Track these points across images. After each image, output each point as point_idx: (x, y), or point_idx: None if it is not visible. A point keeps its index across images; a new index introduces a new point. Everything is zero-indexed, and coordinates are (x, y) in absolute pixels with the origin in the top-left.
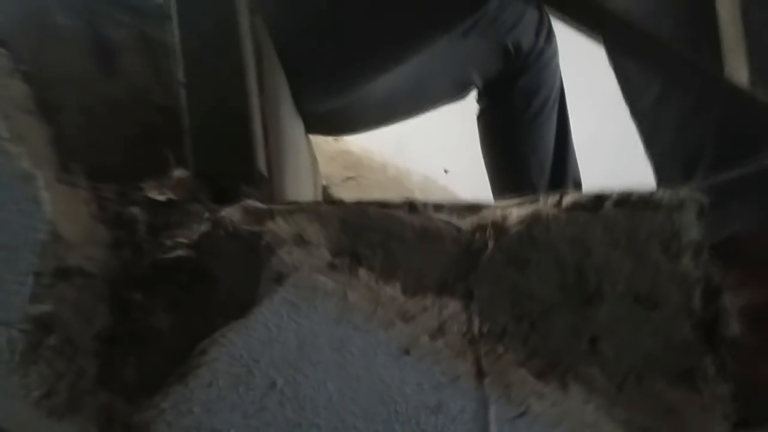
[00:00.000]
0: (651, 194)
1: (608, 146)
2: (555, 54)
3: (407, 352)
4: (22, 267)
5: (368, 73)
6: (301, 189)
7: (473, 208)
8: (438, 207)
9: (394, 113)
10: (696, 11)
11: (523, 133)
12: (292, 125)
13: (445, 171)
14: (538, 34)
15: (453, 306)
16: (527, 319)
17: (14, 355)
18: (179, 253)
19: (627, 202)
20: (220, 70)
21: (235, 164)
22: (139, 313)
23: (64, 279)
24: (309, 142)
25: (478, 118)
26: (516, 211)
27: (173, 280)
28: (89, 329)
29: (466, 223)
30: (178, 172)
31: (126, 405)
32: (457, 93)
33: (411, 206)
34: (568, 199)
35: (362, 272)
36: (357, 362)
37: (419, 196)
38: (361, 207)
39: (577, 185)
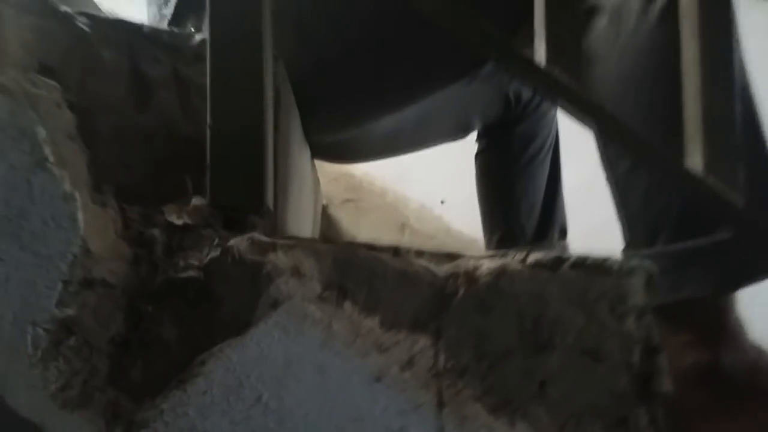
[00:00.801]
0: (604, 260)
1: (603, 192)
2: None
3: (379, 379)
4: (53, 275)
5: (374, 113)
6: (301, 214)
7: (450, 257)
8: (419, 253)
9: (396, 148)
10: (666, 102)
11: (517, 177)
12: (300, 153)
13: (442, 202)
14: None
15: (423, 342)
16: (487, 359)
17: (37, 351)
18: (190, 273)
19: (582, 265)
20: (243, 112)
21: (246, 197)
22: (149, 323)
23: (88, 288)
24: (314, 165)
25: (476, 157)
26: (487, 263)
27: (182, 297)
28: (105, 333)
29: (442, 269)
30: (196, 200)
31: (130, 403)
32: (458, 134)
33: (395, 251)
34: (533, 257)
35: (347, 305)
36: (335, 384)
37: (415, 223)
38: (352, 247)
39: (563, 231)
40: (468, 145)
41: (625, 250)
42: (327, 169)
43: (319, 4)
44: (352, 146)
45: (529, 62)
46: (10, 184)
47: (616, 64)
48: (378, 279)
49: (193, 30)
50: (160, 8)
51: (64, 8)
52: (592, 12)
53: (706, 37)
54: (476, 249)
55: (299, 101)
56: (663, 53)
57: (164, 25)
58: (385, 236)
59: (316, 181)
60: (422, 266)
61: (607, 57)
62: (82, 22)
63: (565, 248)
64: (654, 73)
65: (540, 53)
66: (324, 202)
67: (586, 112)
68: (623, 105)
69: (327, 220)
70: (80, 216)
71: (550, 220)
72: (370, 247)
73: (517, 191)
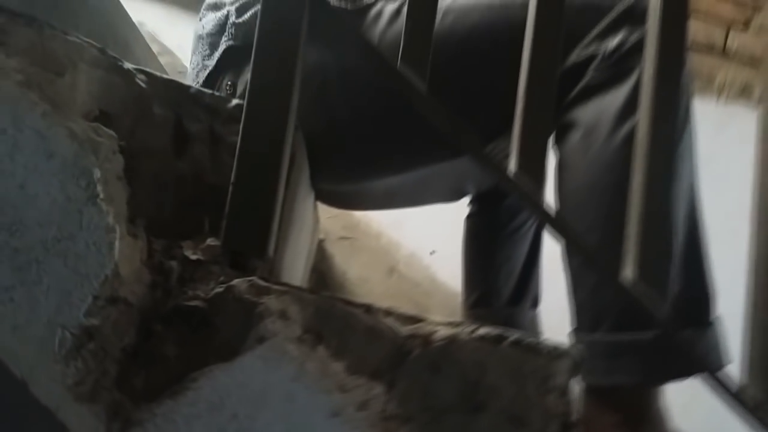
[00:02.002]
0: (538, 343)
1: None
2: None
3: (337, 414)
4: (87, 290)
5: (376, 174)
6: (297, 252)
7: (413, 319)
8: (387, 312)
9: (393, 203)
10: (621, 213)
11: (500, 245)
12: (305, 199)
13: (431, 252)
14: None
15: (378, 389)
16: (430, 412)
17: (62, 350)
18: (196, 303)
19: (519, 344)
20: (261, 175)
21: (253, 245)
22: (156, 340)
23: (112, 304)
24: (316, 206)
25: (467, 218)
26: (442, 330)
27: (187, 322)
28: (119, 343)
29: (404, 329)
30: (211, 241)
31: (130, 404)
32: (453, 198)
33: (368, 308)
34: (481, 331)
35: (320, 348)
36: (300, 414)
37: (403, 269)
38: (332, 301)
39: (535, 301)
40: (463, 204)
41: (571, 333)
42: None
43: (342, 75)
44: (352, 197)
45: (498, 167)
46: (65, 212)
47: (584, 173)
48: (349, 330)
49: (229, 83)
50: (203, 59)
51: (128, 66)
52: (569, 126)
53: (651, 166)
54: (456, 302)
55: (310, 153)
56: (623, 171)
57: (204, 75)
58: (373, 277)
59: (316, 220)
60: (388, 324)
61: (577, 166)
62: (140, 79)
63: (534, 317)
64: (614, 187)
65: (513, 161)
66: (322, 236)
67: (541, 214)
68: (587, 209)
69: (322, 253)
70: (117, 245)
71: (525, 289)
72: (347, 302)
73: (499, 258)
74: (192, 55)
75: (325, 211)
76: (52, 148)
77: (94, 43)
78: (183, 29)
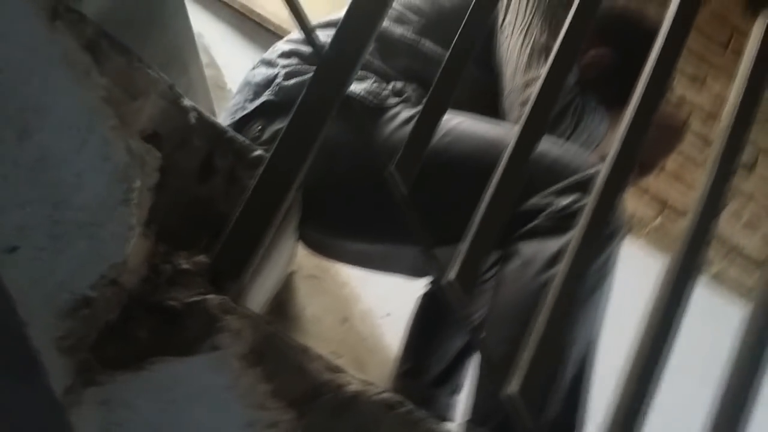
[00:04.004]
0: (427, 418)
1: None
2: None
3: (250, 426)
4: (98, 269)
5: (354, 236)
6: (266, 280)
7: (335, 369)
8: (318, 357)
9: (362, 264)
10: (522, 340)
11: (442, 330)
12: (288, 237)
13: (386, 314)
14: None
15: (290, 416)
16: None
17: (63, 308)
18: (174, 303)
19: (411, 414)
20: (262, 216)
21: (234, 270)
22: (134, 322)
23: (112, 285)
24: (296, 244)
25: (422, 295)
26: (355, 384)
27: (162, 316)
28: (105, 317)
29: (326, 375)
30: (202, 257)
31: (98, 366)
32: (415, 275)
33: (306, 349)
34: (385, 395)
35: (256, 369)
36: (222, 416)
37: (357, 322)
38: (279, 334)
39: (456, 389)
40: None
41: (465, 422)
42: None
43: (350, 150)
44: (329, 248)
45: (440, 269)
46: (103, 205)
47: (511, 294)
48: (284, 362)
49: (260, 128)
50: (245, 101)
51: (186, 103)
52: (513, 253)
53: (557, 308)
54: (391, 366)
55: (305, 202)
56: (539, 304)
57: (242, 114)
58: (327, 320)
59: (294, 254)
60: (314, 367)
61: (509, 287)
62: (192, 115)
63: (451, 403)
64: (529, 314)
65: (453, 269)
66: (294, 268)
67: (461, 318)
68: (504, 324)
69: (289, 285)
70: (132, 241)
71: (450, 376)
72: (290, 340)
73: (437, 341)
74: (237, 94)
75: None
76: (111, 154)
77: (167, 78)
78: (234, 49)
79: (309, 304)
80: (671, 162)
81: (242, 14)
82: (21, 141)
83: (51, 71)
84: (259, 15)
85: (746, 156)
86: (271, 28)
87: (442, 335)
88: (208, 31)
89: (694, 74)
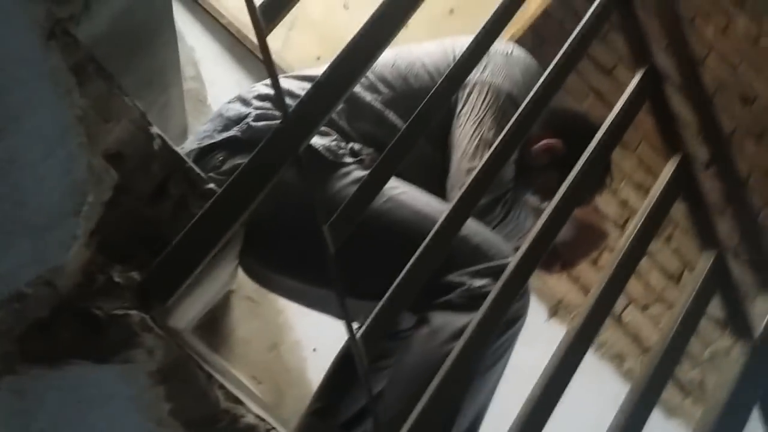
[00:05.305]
0: None
1: None
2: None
3: None
4: (38, 269)
5: (290, 272)
6: (198, 300)
7: (236, 400)
8: (221, 386)
9: (297, 300)
10: (416, 400)
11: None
12: (228, 262)
13: (314, 350)
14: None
15: None
16: None
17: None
18: (100, 312)
19: None
20: (201, 247)
21: (163, 291)
22: (60, 323)
23: (46, 285)
24: (237, 267)
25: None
26: (250, 418)
27: (87, 321)
28: (36, 313)
29: (226, 404)
30: (135, 273)
31: (19, 358)
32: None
33: (209, 376)
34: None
35: (161, 388)
36: (121, 425)
37: (284, 351)
38: (189, 358)
39: None
40: None
41: None
42: None
43: (296, 194)
44: (266, 279)
45: (350, 326)
46: (55, 213)
47: (416, 357)
48: (188, 385)
49: (221, 158)
50: (214, 131)
51: (154, 131)
52: (425, 320)
53: (449, 378)
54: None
55: (248, 233)
56: (438, 372)
57: (208, 142)
58: (255, 345)
59: (235, 273)
60: (217, 395)
61: (414, 349)
62: (156, 142)
63: None
64: (427, 380)
65: (364, 326)
66: (234, 287)
67: (362, 376)
68: (403, 383)
69: (226, 302)
70: (74, 249)
71: (360, 421)
72: (199, 365)
73: (352, 386)
74: (209, 122)
75: None
76: (73, 168)
77: (140, 106)
78: (222, 69)
79: (241, 325)
80: (603, 255)
81: (237, 39)
82: None
83: (36, 84)
84: (252, 43)
85: (674, 267)
86: (261, 59)
87: (358, 382)
88: (202, 47)
89: (640, 182)
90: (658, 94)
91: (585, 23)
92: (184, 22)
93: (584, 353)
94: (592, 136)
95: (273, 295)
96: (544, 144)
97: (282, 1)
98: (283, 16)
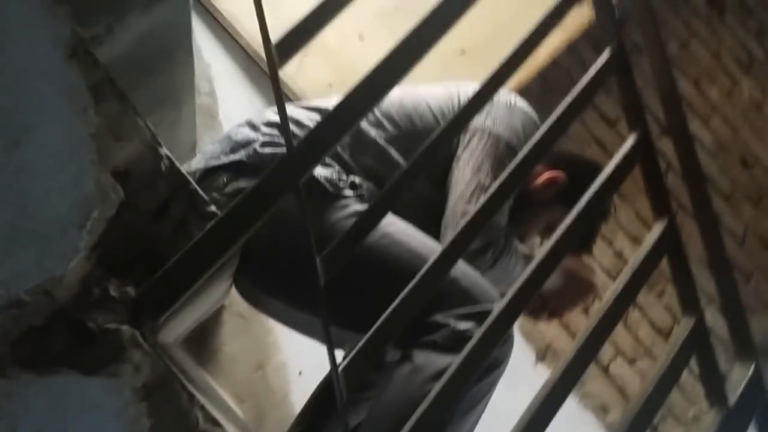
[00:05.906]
0: None
1: None
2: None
3: None
4: (38, 277)
5: (281, 296)
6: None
7: (215, 423)
8: (202, 408)
9: (286, 325)
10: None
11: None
12: (222, 281)
13: (299, 373)
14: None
15: None
16: None
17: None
18: (93, 324)
19: None
20: (196, 268)
21: (155, 309)
22: (54, 332)
23: (44, 294)
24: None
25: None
26: None
27: (79, 333)
28: (32, 320)
29: (205, 425)
30: (130, 289)
31: (10, 361)
32: (336, 347)
33: (194, 399)
34: None
35: (144, 404)
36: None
37: (269, 371)
38: (174, 377)
39: None
40: None
41: None
42: None
43: (293, 220)
44: (258, 300)
45: (333, 359)
46: (60, 225)
47: (396, 393)
48: (170, 404)
49: (225, 180)
50: (222, 153)
51: (162, 151)
52: (408, 357)
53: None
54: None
55: (245, 254)
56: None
57: (214, 163)
58: (242, 363)
59: (227, 290)
60: (197, 415)
61: (396, 386)
62: (164, 163)
63: None
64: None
65: (347, 359)
66: (226, 303)
67: (340, 409)
68: (381, 417)
69: (217, 317)
70: (75, 261)
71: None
72: (183, 385)
73: (333, 415)
74: (216, 143)
75: None
76: (81, 183)
77: (151, 127)
78: (237, 87)
79: (229, 342)
80: (594, 304)
81: (253, 60)
82: (8, 151)
83: (54, 99)
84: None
85: (664, 322)
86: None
87: (337, 413)
88: (219, 64)
89: (636, 234)
90: (648, 159)
91: (583, 85)
92: (203, 39)
93: (564, 400)
94: (594, 171)
95: (264, 317)
96: (548, 177)
97: (297, 39)
98: (296, 53)
